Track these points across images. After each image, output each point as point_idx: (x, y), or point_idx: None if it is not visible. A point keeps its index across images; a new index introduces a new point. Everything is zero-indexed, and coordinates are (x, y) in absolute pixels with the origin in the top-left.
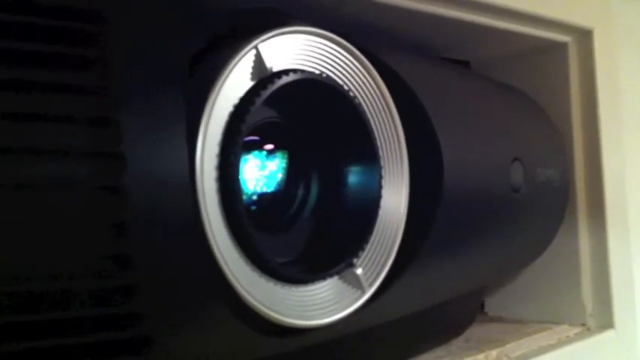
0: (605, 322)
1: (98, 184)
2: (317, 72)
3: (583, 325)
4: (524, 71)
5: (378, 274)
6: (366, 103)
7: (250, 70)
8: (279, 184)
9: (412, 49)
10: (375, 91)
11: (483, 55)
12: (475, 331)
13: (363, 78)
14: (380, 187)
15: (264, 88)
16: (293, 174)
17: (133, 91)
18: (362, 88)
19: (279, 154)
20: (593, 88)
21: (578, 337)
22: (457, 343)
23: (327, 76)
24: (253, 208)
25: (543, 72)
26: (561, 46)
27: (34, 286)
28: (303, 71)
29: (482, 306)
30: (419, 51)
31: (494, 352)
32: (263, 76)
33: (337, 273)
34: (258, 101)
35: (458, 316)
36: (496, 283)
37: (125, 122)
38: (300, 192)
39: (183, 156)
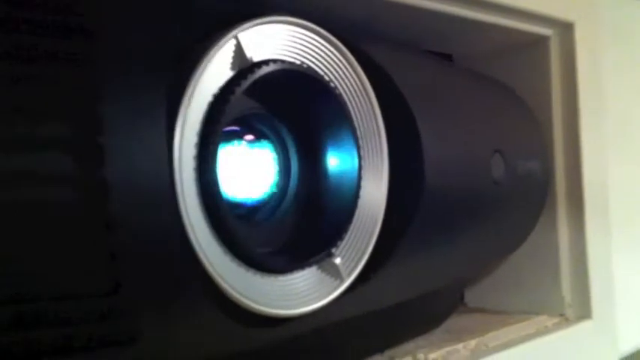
0: (583, 312)
1: (79, 176)
2: (297, 62)
3: (561, 315)
4: (506, 64)
5: (357, 264)
6: (346, 94)
7: (230, 60)
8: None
9: (394, 41)
10: (355, 82)
11: (465, 48)
12: (455, 321)
13: (343, 68)
14: (360, 177)
15: (244, 78)
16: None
17: (113, 81)
18: (342, 79)
19: (259, 145)
20: (574, 81)
21: (557, 327)
22: (437, 333)
23: (308, 66)
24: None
25: (525, 65)
26: (543, 39)
27: (16, 281)
28: (283, 61)
29: (462, 297)
30: (401, 43)
31: (473, 342)
32: (243, 66)
33: (316, 262)
34: (238, 91)
35: (438, 306)
36: (476, 275)
37: (105, 113)
38: (281, 182)
39: (161, 146)
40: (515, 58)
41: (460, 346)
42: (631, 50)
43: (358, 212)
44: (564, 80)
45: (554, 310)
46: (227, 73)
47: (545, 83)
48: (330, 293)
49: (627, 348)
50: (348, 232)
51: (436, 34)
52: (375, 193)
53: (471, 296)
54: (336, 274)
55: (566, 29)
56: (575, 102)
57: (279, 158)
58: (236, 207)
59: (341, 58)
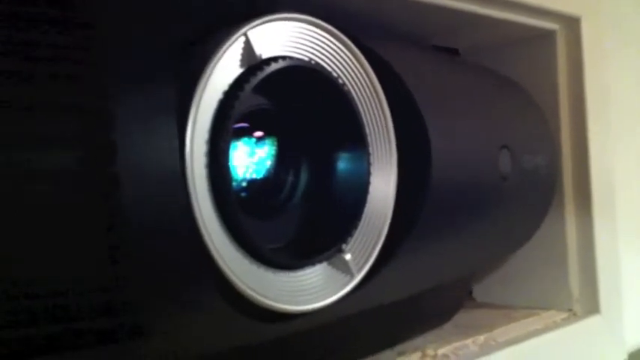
0: (592, 307)
1: (90, 172)
2: (306, 59)
3: (570, 310)
4: (513, 59)
5: (366, 260)
6: (354, 90)
7: (239, 57)
8: (268, 171)
9: (401, 37)
10: (363, 79)
11: (472, 42)
12: (463, 316)
13: (352, 65)
14: (368, 173)
15: (254, 74)
16: (282, 161)
17: (124, 79)
18: (351, 76)
19: (268, 141)
20: (580, 76)
21: (565, 322)
22: (446, 328)
23: (316, 63)
24: (243, 194)
25: (532, 59)
26: (549, 34)
27: (25, 274)
28: (292, 58)
29: (471, 292)
30: (408, 38)
31: (482, 337)
32: (252, 63)
33: (326, 258)
34: (248, 88)
35: (446, 301)
36: (484, 269)
37: (116, 110)
38: (290, 178)
39: (173, 143)
40: (522, 53)
41: (469, 341)
42: (637, 44)
43: (367, 208)
44: (571, 74)
45: (562, 305)
46: (236, 70)
47: (552, 78)
48: (340, 289)
49: (635, 342)
50: (358, 228)
51: (443, 29)
52: (384, 189)
53: (479, 291)
54: (346, 270)
55: (572, 23)
56: (581, 96)
57: (288, 154)
58: (246, 203)
59: (349, 54)
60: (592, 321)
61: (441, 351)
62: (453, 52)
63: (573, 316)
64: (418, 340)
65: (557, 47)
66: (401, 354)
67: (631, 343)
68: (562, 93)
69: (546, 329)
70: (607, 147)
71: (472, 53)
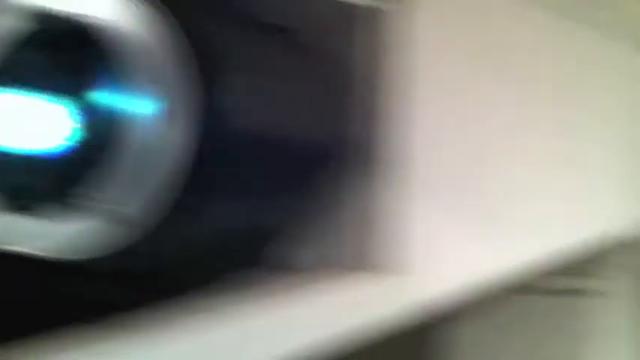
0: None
1: None
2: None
3: (361, 270)
4: (339, 37)
5: (147, 213)
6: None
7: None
8: None
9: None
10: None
11: (298, 20)
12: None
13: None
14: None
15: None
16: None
17: None
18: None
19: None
20: (405, 55)
21: (359, 282)
22: None
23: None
24: None
25: (358, 38)
26: (377, 13)
27: None
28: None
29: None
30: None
31: None
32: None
33: (98, 211)
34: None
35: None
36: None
37: None
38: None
39: None
40: (349, 31)
41: None
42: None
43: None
44: (396, 53)
45: (349, 265)
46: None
47: (377, 56)
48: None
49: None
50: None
51: (271, 7)
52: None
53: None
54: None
55: (401, 3)
56: (400, 73)
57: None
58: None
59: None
60: (386, 280)
61: None
62: (282, 30)
63: (365, 277)
64: None
65: (384, 26)
66: None
67: (433, 300)
68: (385, 70)
69: (337, 290)
70: (405, 120)
71: (304, 33)
